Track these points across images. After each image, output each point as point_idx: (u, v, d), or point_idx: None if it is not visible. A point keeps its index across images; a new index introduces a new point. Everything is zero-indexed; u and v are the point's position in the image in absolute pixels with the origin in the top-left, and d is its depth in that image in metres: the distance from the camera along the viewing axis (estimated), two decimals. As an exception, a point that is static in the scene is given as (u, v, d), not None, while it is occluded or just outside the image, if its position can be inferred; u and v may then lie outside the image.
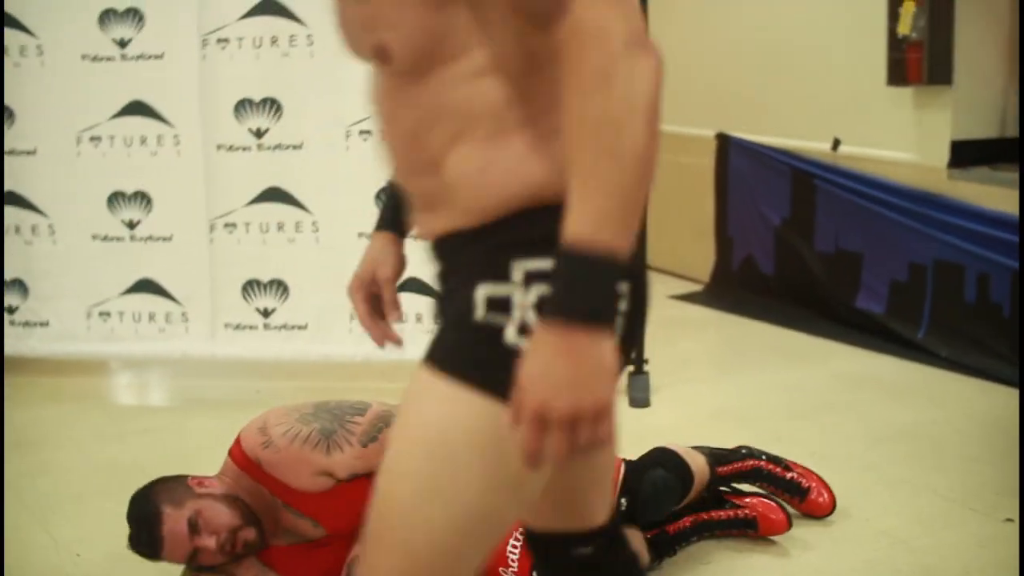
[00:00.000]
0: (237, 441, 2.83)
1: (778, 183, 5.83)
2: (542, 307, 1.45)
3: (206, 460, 3.97)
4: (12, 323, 4.91)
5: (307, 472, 2.74)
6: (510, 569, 2.89)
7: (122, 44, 4.67)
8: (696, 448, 3.25)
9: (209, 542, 2.71)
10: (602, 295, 1.39)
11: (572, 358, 1.36)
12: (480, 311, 1.51)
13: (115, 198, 4.78)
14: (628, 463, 3.04)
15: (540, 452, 1.39)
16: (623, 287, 1.55)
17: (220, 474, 2.88)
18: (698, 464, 3.15)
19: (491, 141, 1.52)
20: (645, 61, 1.39)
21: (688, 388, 4.67)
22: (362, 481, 2.71)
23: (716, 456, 3.27)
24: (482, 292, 1.52)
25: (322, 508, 2.79)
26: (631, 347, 1.64)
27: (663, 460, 3.09)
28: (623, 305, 1.55)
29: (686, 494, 3.11)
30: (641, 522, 3.02)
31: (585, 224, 1.38)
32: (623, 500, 2.96)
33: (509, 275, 1.50)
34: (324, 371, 4.78)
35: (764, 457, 3.35)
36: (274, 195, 4.66)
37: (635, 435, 3.13)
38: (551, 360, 1.37)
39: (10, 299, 4.90)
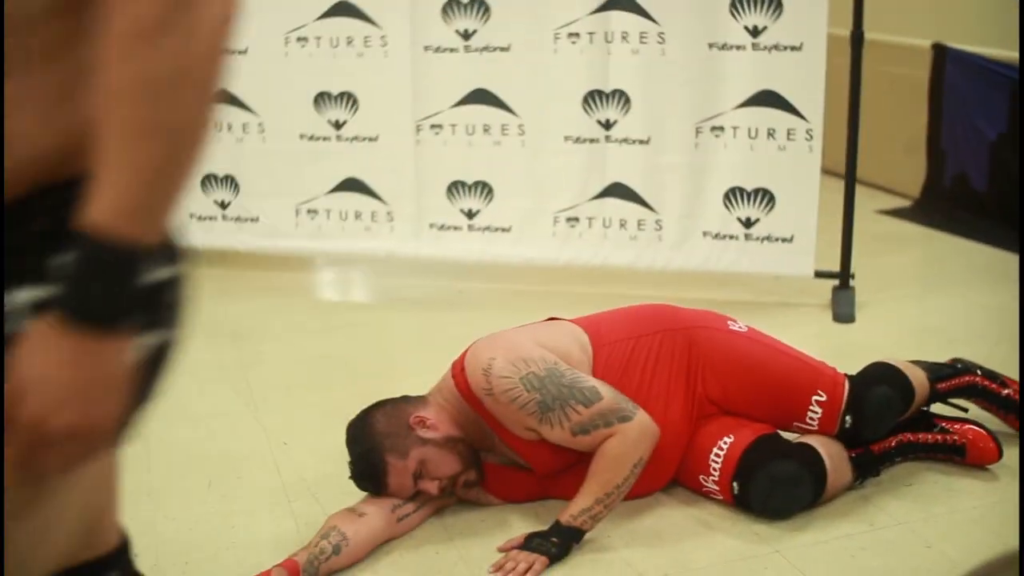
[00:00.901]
0: (462, 368, 2.83)
1: (996, 96, 5.60)
2: (47, 305, 1.19)
3: (408, 357, 4.09)
4: (224, 218, 5.05)
5: (520, 426, 2.78)
6: (711, 478, 2.88)
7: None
8: (914, 363, 3.17)
9: (431, 487, 2.78)
10: (117, 294, 1.17)
11: (76, 367, 1.16)
12: None
13: (321, 98, 4.84)
14: (851, 379, 3.00)
15: (32, 470, 1.21)
16: (162, 276, 1.29)
17: (439, 391, 2.91)
18: (919, 379, 3.08)
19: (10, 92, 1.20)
20: (209, 6, 1.15)
21: (894, 305, 4.56)
22: None
23: (934, 371, 3.17)
24: None
25: (528, 451, 2.85)
26: (170, 350, 1.42)
27: (886, 376, 3.03)
28: (166, 298, 1.33)
29: (907, 410, 3.05)
30: (865, 438, 2.99)
31: (104, 209, 1.14)
32: (847, 417, 2.93)
33: None
34: (525, 274, 4.81)
35: (980, 372, 3.24)
36: (480, 97, 4.66)
37: (839, 351, 3.09)
38: (51, 367, 1.16)
39: (222, 195, 5.03)
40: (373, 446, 2.77)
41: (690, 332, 2.98)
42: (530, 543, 2.67)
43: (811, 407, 2.93)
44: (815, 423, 2.94)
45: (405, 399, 2.89)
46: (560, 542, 2.66)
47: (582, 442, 2.73)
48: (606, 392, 2.75)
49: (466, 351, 2.87)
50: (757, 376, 2.95)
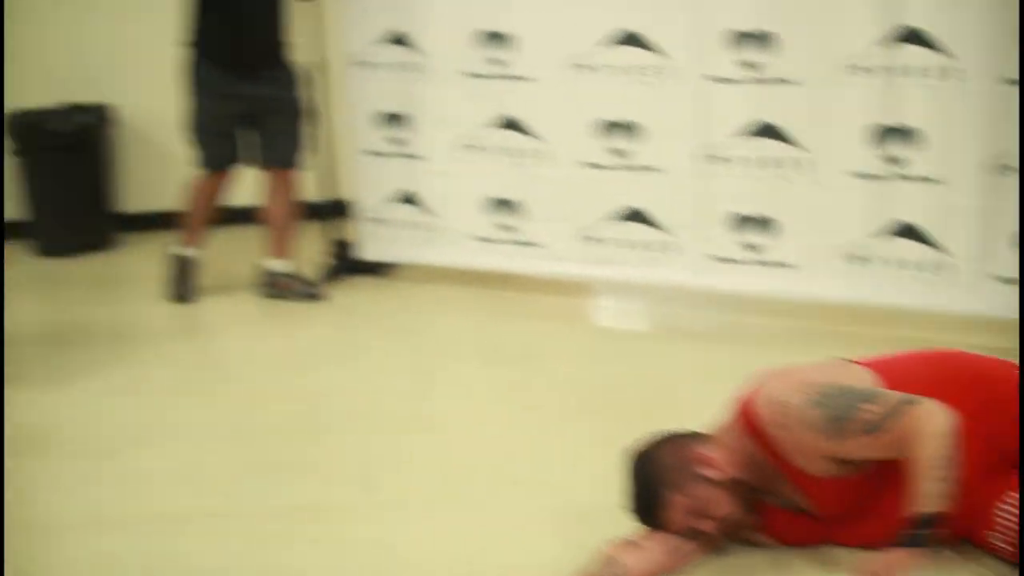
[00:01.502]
0: (747, 404, 2.78)
1: None
2: None
3: (686, 388, 4.05)
4: (509, 241, 5.17)
5: (814, 456, 2.70)
6: (996, 534, 2.75)
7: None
8: None
9: (708, 526, 2.75)
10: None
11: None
12: None
13: (608, 126, 4.88)
14: None
15: None
16: None
17: (724, 430, 2.86)
18: None
19: None
20: None
21: None
22: (859, 478, 2.73)
23: None
24: None
25: (816, 489, 2.76)
26: None
27: None
28: None
29: None
30: None
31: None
32: None
33: None
34: (809, 311, 4.71)
35: None
36: (765, 130, 4.61)
37: None
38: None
39: (507, 219, 5.14)
40: (655, 479, 2.76)
41: (989, 382, 2.85)
42: (901, 541, 2.53)
43: None
44: None
45: (693, 435, 2.86)
46: (923, 533, 2.52)
47: (882, 440, 2.61)
48: (886, 392, 2.68)
49: (754, 388, 2.83)
50: None
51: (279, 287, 5.29)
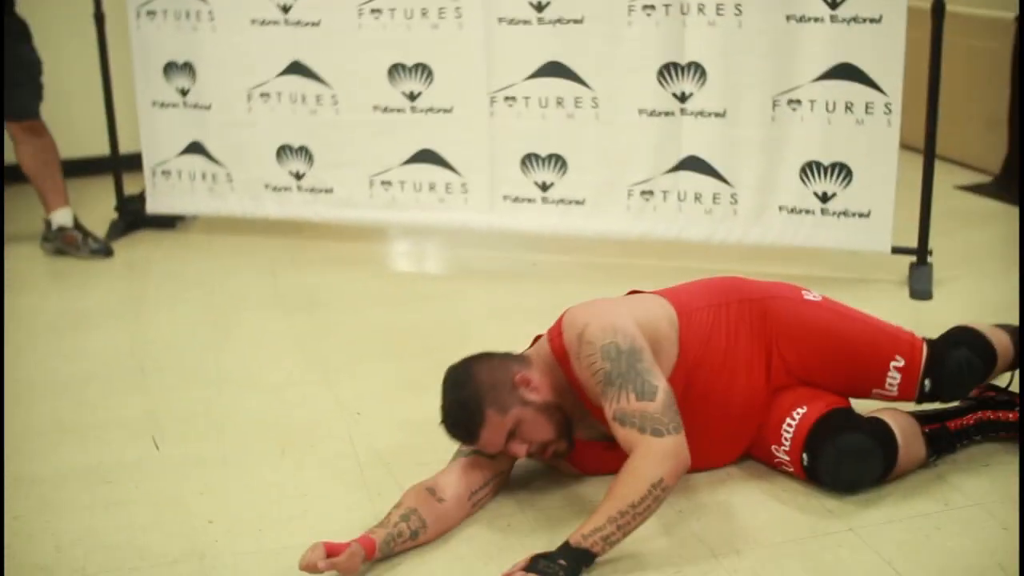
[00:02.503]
0: (559, 332, 2.80)
1: (1081, 70, 5.50)
2: None
3: (481, 328, 4.09)
4: (299, 188, 5.10)
5: (595, 395, 2.72)
6: (782, 448, 2.86)
7: None
8: (999, 326, 3.09)
9: (520, 449, 2.76)
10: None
11: None
12: None
13: (395, 70, 4.85)
14: (930, 342, 2.96)
15: None
16: None
17: (534, 353, 2.88)
18: (1002, 343, 3.01)
19: None
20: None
21: (972, 282, 4.49)
22: None
23: (1019, 334, 3.09)
24: None
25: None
26: None
27: (966, 339, 2.98)
28: None
29: (989, 374, 3.00)
30: (945, 402, 2.99)
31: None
32: (926, 381, 2.90)
33: None
34: (599, 247, 4.82)
35: None
36: (554, 70, 4.65)
37: (915, 327, 3.04)
38: None
39: (297, 165, 5.08)
40: (474, 396, 2.72)
41: (766, 302, 2.94)
42: (536, 565, 2.45)
43: (889, 373, 2.90)
44: (895, 389, 2.92)
45: (510, 355, 2.85)
46: (568, 565, 2.46)
47: (615, 431, 2.62)
48: (661, 399, 2.60)
49: (562, 316, 2.84)
50: (833, 343, 2.92)
51: (64, 241, 5.15)
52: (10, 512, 2.92)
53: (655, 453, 2.53)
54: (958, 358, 2.92)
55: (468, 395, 2.73)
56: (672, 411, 2.60)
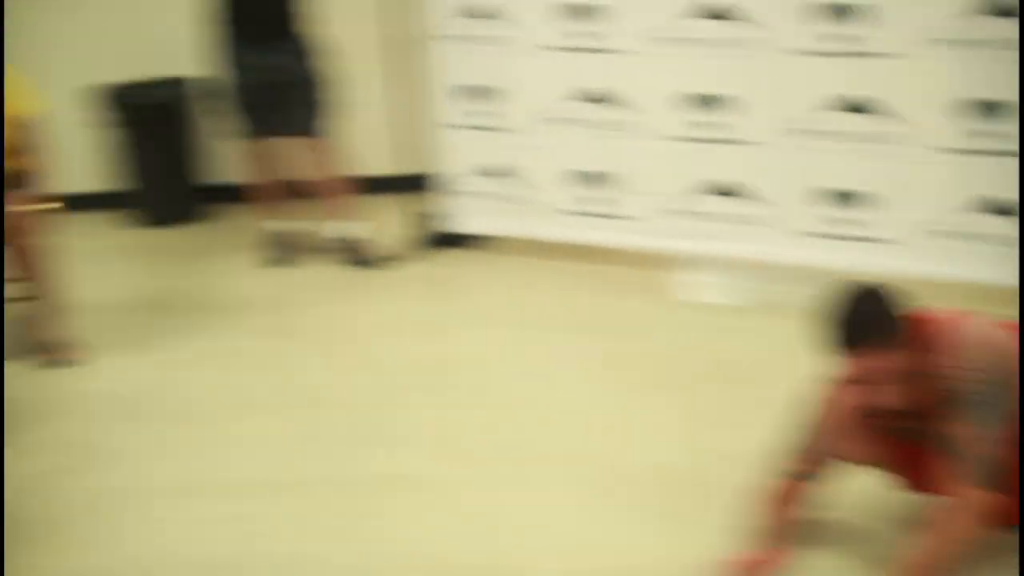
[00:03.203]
0: (949, 326, 2.66)
1: None
2: None
3: (772, 363, 4.02)
4: (596, 213, 5.16)
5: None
6: None
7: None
8: None
9: (866, 400, 2.65)
10: None
11: None
12: None
13: (698, 98, 4.84)
14: None
15: None
16: None
17: (923, 325, 2.69)
18: None
19: None
20: None
21: None
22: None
23: None
24: None
25: None
26: None
27: None
28: None
29: None
30: None
31: None
32: None
33: None
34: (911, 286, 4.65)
35: None
36: (854, 104, 4.56)
37: None
38: None
39: (594, 190, 5.13)
40: (877, 320, 2.60)
41: None
42: None
43: None
44: None
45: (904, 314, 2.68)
46: None
47: (945, 456, 2.54)
48: (995, 439, 2.51)
49: (959, 322, 2.68)
50: None
51: (357, 253, 5.41)
52: (332, 511, 3.03)
53: (968, 507, 2.51)
54: None
55: (870, 317, 2.61)
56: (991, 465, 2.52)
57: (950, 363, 2.57)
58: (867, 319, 2.59)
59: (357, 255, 5.41)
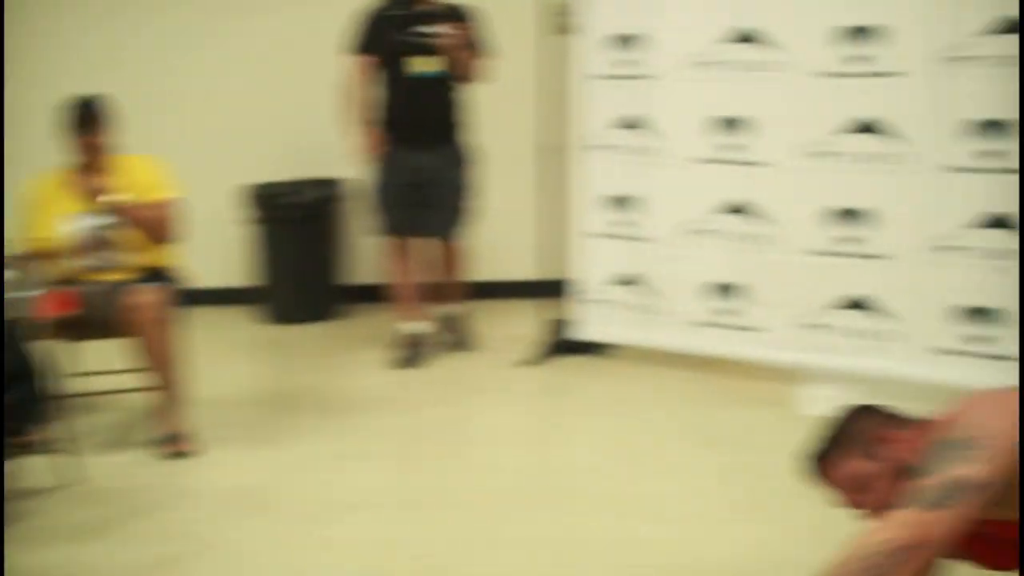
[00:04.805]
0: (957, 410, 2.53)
1: None
2: None
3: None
4: (726, 325, 5.12)
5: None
6: None
7: (855, 60, 4.66)
8: None
9: (862, 506, 2.57)
10: None
11: None
12: None
13: (835, 214, 4.80)
14: None
15: None
16: None
17: (918, 425, 2.60)
18: None
19: None
20: None
21: None
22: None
23: None
24: None
25: None
26: None
27: None
28: None
29: None
30: None
31: None
32: None
33: None
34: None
35: None
36: (999, 220, 4.45)
37: None
38: None
39: (727, 303, 5.10)
40: (837, 437, 2.62)
41: None
42: None
43: None
44: None
45: (899, 415, 2.65)
46: None
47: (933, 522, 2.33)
48: (938, 479, 2.30)
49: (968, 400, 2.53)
50: None
51: (458, 334, 5.72)
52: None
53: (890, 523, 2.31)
54: None
55: (831, 435, 2.63)
56: (944, 495, 2.30)
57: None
58: (815, 449, 2.63)
59: (458, 335, 5.69)
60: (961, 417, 2.45)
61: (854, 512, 2.61)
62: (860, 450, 2.58)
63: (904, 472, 2.51)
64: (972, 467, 2.31)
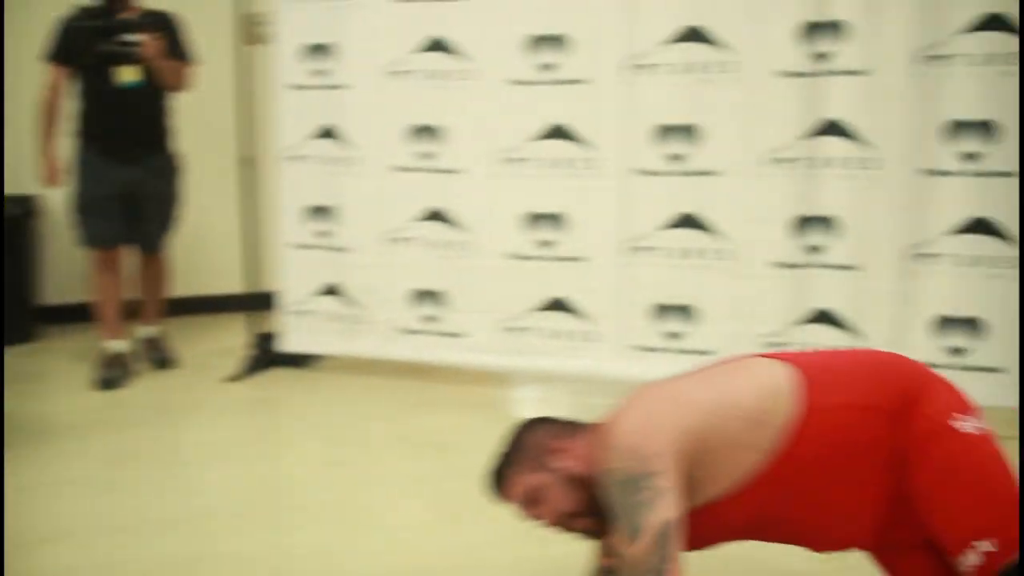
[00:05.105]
0: (616, 415, 2.62)
1: None
2: None
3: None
4: (431, 332, 5.18)
5: None
6: None
7: (546, 69, 4.81)
8: None
9: (544, 517, 2.69)
10: None
11: None
12: None
13: (531, 218, 4.95)
14: None
15: None
16: None
17: (588, 432, 2.71)
18: None
19: None
20: None
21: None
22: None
23: None
24: None
25: None
26: None
27: None
28: None
29: None
30: None
31: None
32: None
33: None
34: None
35: None
36: (686, 221, 4.69)
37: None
38: None
39: (430, 309, 5.15)
40: (509, 454, 2.73)
41: (921, 445, 2.50)
42: None
43: (970, 550, 2.42)
44: (967, 564, 2.44)
45: (571, 424, 2.77)
46: None
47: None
48: (646, 542, 2.39)
49: (629, 400, 2.67)
50: (943, 495, 2.49)
51: (160, 352, 5.65)
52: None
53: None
54: None
55: (505, 452, 2.74)
56: (660, 553, 2.39)
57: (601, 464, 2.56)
58: (493, 468, 2.75)
59: (160, 354, 5.61)
60: (621, 434, 2.52)
61: (536, 524, 2.71)
62: (530, 464, 2.69)
63: (574, 481, 2.65)
64: (664, 509, 2.41)
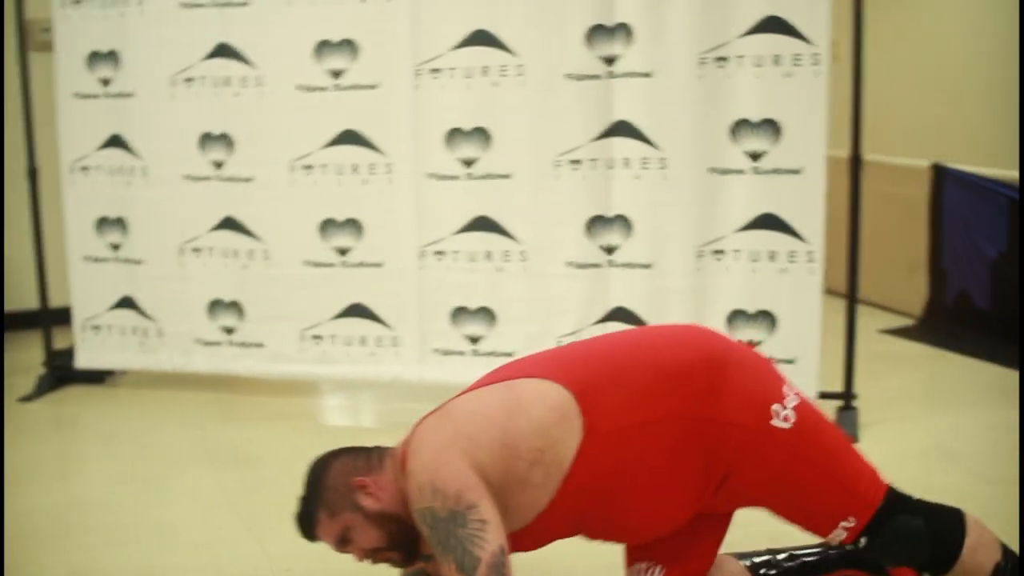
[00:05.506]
0: (406, 449, 2.65)
1: (995, 214, 5.67)
2: None
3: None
4: (230, 343, 5.10)
5: None
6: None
7: (336, 75, 4.80)
8: (1004, 548, 2.72)
9: (356, 554, 2.72)
10: None
11: None
12: None
13: (326, 225, 4.91)
14: (890, 496, 2.65)
15: None
16: None
17: (386, 461, 2.73)
18: (977, 558, 2.67)
19: None
20: None
21: (897, 425, 4.56)
22: None
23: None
24: None
25: None
26: None
27: (937, 517, 2.68)
28: None
29: (936, 562, 2.67)
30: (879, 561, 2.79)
31: None
32: (862, 539, 2.64)
33: None
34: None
35: None
36: (482, 224, 4.73)
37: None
38: None
39: (228, 320, 5.09)
40: (313, 495, 2.71)
41: (725, 432, 2.56)
42: None
43: (836, 530, 2.62)
44: (837, 541, 2.65)
45: (368, 454, 2.75)
46: None
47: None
48: (483, 572, 2.41)
49: (417, 426, 2.71)
50: (787, 494, 2.63)
51: None
52: None
53: None
54: (903, 525, 2.62)
55: (308, 494, 2.72)
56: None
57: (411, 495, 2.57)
58: (299, 510, 2.74)
59: None
60: (421, 471, 2.52)
61: (355, 559, 2.73)
62: (335, 505, 2.68)
63: (380, 517, 2.65)
64: (492, 538, 2.44)
